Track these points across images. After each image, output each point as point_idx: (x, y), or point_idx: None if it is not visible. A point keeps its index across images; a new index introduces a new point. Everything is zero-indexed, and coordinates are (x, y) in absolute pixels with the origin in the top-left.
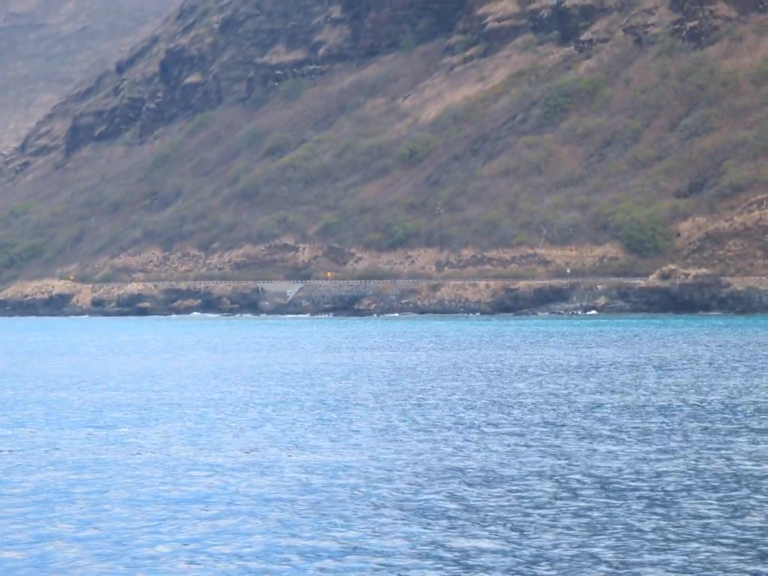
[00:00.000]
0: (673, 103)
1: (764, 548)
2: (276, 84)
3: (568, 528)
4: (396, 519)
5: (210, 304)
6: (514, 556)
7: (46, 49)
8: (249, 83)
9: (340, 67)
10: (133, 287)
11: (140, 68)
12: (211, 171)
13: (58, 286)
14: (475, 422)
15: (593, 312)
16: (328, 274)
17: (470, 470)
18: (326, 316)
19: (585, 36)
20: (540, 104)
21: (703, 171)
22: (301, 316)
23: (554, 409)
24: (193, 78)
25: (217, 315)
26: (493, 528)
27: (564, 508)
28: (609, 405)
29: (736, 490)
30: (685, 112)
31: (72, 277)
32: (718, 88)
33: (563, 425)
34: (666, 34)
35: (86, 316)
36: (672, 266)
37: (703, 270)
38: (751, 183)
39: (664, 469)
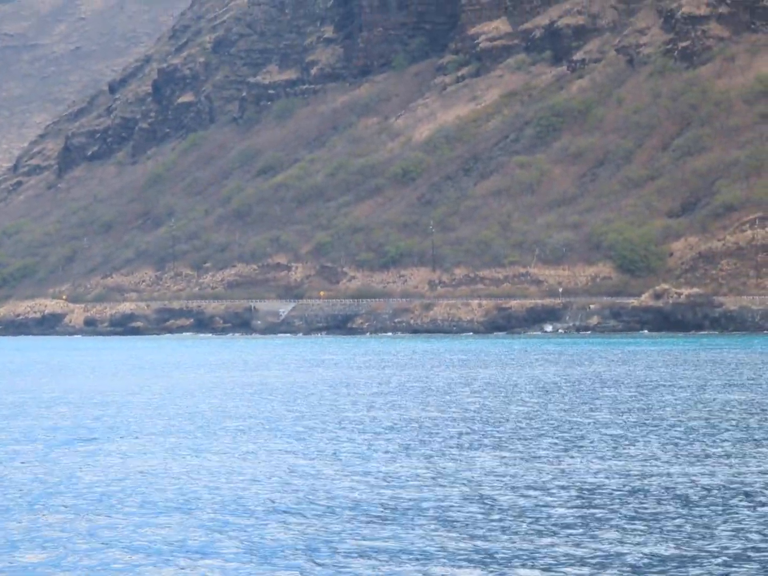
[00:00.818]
0: (666, 123)
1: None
2: (268, 103)
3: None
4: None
5: (202, 324)
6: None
7: (39, 70)
8: (241, 103)
9: (333, 87)
10: (126, 307)
11: (133, 88)
12: (204, 190)
13: (50, 305)
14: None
15: (587, 332)
16: (321, 293)
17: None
18: (319, 335)
19: (577, 56)
20: (532, 124)
21: (696, 191)
22: (290, 335)
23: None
24: (186, 98)
25: (210, 334)
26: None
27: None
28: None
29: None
30: (677, 131)
31: (64, 297)
32: (710, 107)
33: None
34: (658, 54)
35: (79, 336)
36: (665, 286)
37: (696, 289)
38: (743, 202)
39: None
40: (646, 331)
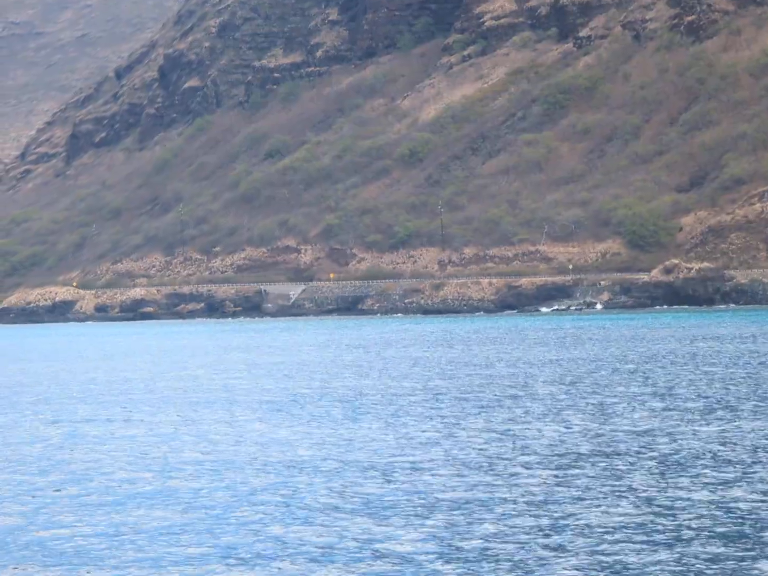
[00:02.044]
0: (673, 97)
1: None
2: (274, 87)
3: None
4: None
5: (213, 308)
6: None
7: (46, 57)
8: (247, 87)
9: (339, 69)
10: (136, 292)
11: (139, 74)
12: (211, 175)
13: (61, 292)
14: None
15: (599, 307)
16: (331, 275)
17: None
18: (330, 317)
19: (583, 32)
20: (539, 102)
21: (704, 165)
22: (302, 317)
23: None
24: (192, 83)
25: (221, 319)
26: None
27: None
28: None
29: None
30: (684, 106)
31: (75, 284)
32: (717, 81)
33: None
34: (664, 29)
35: (89, 322)
36: (675, 261)
37: (706, 264)
38: (752, 176)
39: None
40: (658, 307)
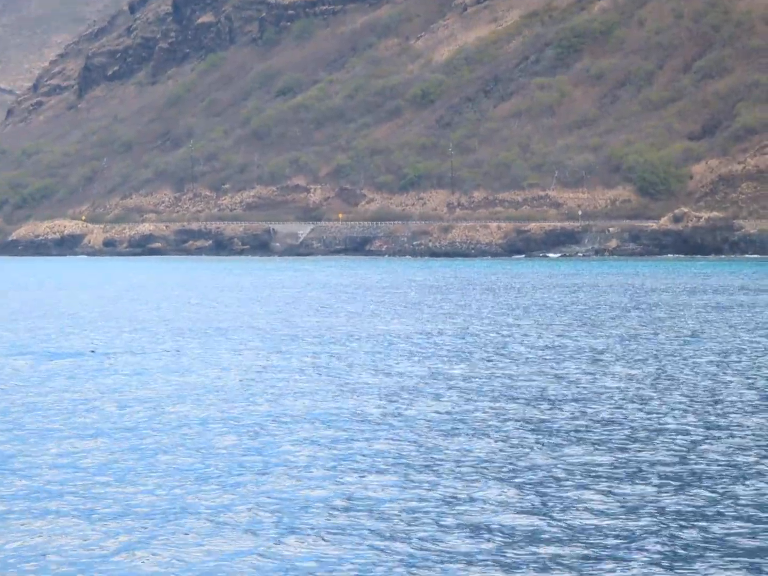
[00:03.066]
0: (687, 44)
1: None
2: (288, 24)
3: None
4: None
5: (221, 245)
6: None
7: None
8: (261, 23)
9: (353, 8)
10: (145, 228)
11: (153, 8)
12: (223, 111)
13: (69, 226)
14: None
15: (606, 255)
16: (340, 215)
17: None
18: (338, 257)
19: None
20: (553, 45)
21: (717, 113)
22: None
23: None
24: (206, 18)
25: (228, 256)
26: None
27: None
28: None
29: None
30: (698, 53)
31: (84, 218)
32: (732, 29)
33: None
34: None
35: (97, 256)
36: (684, 209)
37: (716, 213)
38: (764, 125)
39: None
40: (670, 255)
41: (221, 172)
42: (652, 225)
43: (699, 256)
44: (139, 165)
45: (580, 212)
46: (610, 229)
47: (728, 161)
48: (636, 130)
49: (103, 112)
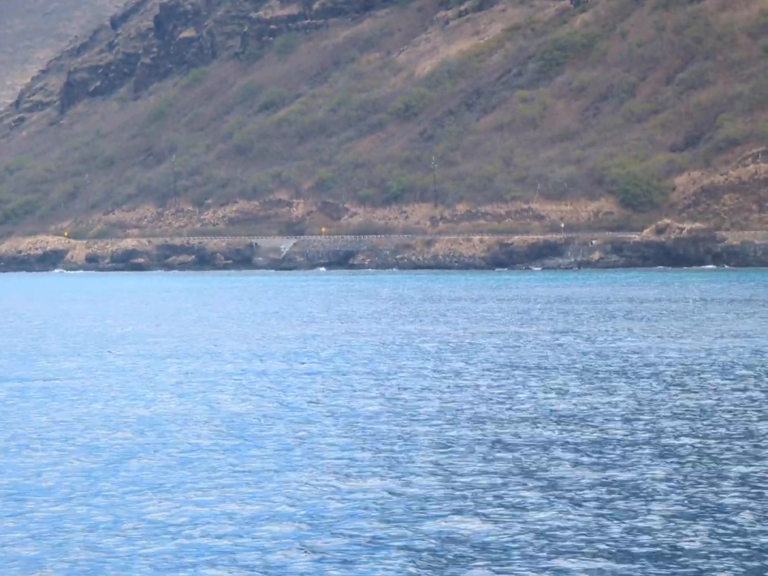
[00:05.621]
0: (669, 56)
1: None
2: (270, 39)
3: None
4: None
5: (204, 260)
6: None
7: (43, 5)
8: (243, 38)
9: (335, 22)
10: (128, 243)
11: (135, 23)
12: (206, 126)
13: (52, 242)
14: None
15: (588, 267)
16: (323, 229)
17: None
18: (321, 270)
19: None
20: (535, 58)
21: (699, 125)
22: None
23: None
24: (188, 33)
25: (211, 271)
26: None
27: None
28: None
29: None
30: (681, 65)
31: (66, 233)
32: (714, 41)
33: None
34: None
35: (80, 271)
36: (667, 220)
37: (698, 224)
38: (746, 136)
39: None
40: (660, 267)
41: (204, 187)
42: (635, 237)
43: (677, 267)
44: (122, 180)
45: (562, 225)
46: (593, 241)
47: (711, 173)
48: (618, 143)
49: (85, 127)
